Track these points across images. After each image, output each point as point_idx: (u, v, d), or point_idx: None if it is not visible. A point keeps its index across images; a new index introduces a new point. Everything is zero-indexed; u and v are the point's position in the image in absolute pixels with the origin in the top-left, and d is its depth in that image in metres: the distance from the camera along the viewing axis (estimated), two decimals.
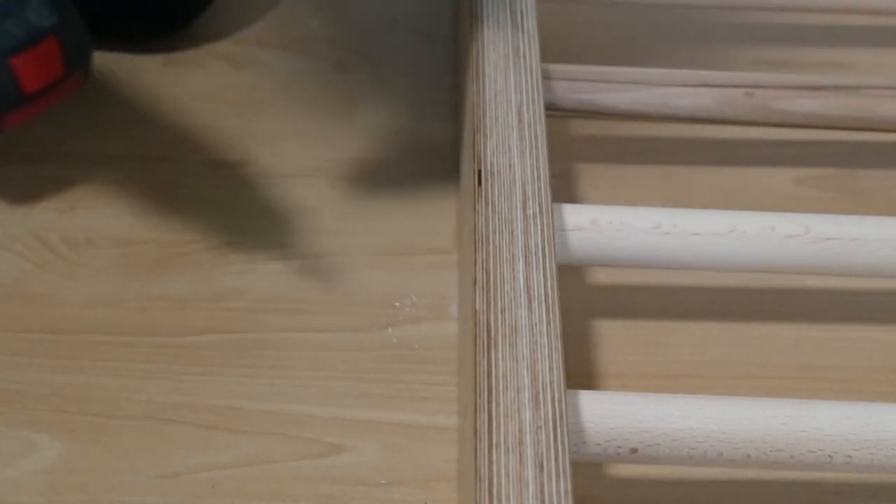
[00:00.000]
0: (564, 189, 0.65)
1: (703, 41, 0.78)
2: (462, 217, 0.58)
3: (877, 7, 0.74)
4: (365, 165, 0.66)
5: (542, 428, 0.39)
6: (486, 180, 0.49)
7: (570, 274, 0.60)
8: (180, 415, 0.52)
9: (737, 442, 0.43)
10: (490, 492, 0.37)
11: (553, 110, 0.60)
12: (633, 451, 0.43)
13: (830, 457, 0.43)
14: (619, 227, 0.50)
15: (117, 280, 0.58)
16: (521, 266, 0.45)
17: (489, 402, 0.40)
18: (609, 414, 0.43)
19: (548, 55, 0.60)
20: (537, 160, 0.51)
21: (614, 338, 0.57)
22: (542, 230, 0.47)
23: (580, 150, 0.68)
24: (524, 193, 0.49)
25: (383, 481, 0.50)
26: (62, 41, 0.52)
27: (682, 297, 0.60)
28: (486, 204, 0.48)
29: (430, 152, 0.67)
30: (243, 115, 0.69)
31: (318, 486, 0.49)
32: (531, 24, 0.59)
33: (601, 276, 0.60)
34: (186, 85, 0.71)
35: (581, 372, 0.55)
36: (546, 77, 0.59)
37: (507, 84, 0.55)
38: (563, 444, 0.38)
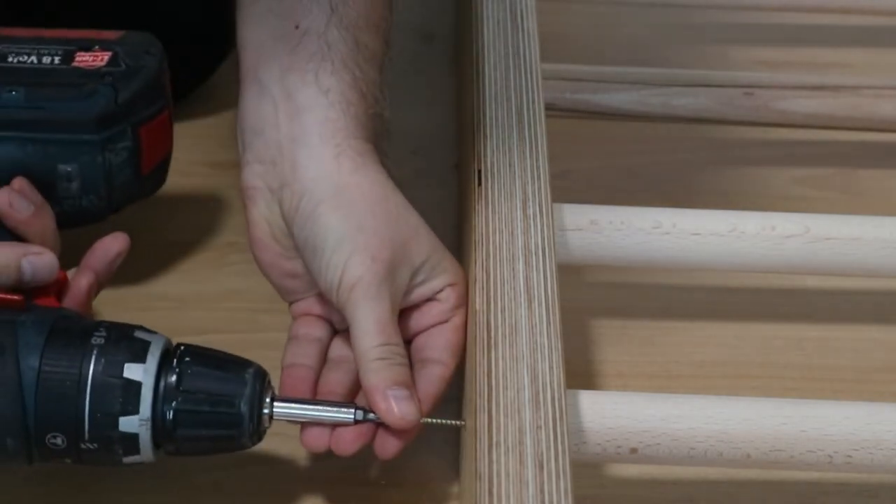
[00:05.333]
0: (564, 189, 0.65)
1: (703, 41, 0.78)
2: (462, 217, 0.58)
3: (877, 7, 0.74)
4: None
5: (542, 428, 0.39)
6: (486, 180, 0.49)
7: (570, 274, 0.60)
8: None
9: (737, 442, 0.43)
10: (490, 491, 0.37)
11: (553, 110, 0.60)
12: (633, 451, 0.43)
13: (830, 457, 0.43)
14: (618, 227, 0.50)
15: (117, 280, 0.58)
16: (520, 266, 0.45)
17: (489, 401, 0.40)
18: (609, 414, 0.43)
19: (548, 55, 0.60)
20: (537, 160, 0.51)
21: (614, 338, 0.57)
22: (542, 230, 0.47)
23: (580, 150, 0.68)
24: (524, 193, 0.49)
25: (383, 481, 0.50)
26: None
27: (682, 297, 0.60)
28: (486, 204, 0.48)
29: (430, 152, 0.67)
30: None
31: (318, 487, 0.49)
32: (531, 24, 0.58)
33: (601, 276, 0.60)
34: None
35: (581, 372, 0.55)
36: (546, 77, 0.59)
37: (507, 84, 0.55)
38: (563, 443, 0.38)
